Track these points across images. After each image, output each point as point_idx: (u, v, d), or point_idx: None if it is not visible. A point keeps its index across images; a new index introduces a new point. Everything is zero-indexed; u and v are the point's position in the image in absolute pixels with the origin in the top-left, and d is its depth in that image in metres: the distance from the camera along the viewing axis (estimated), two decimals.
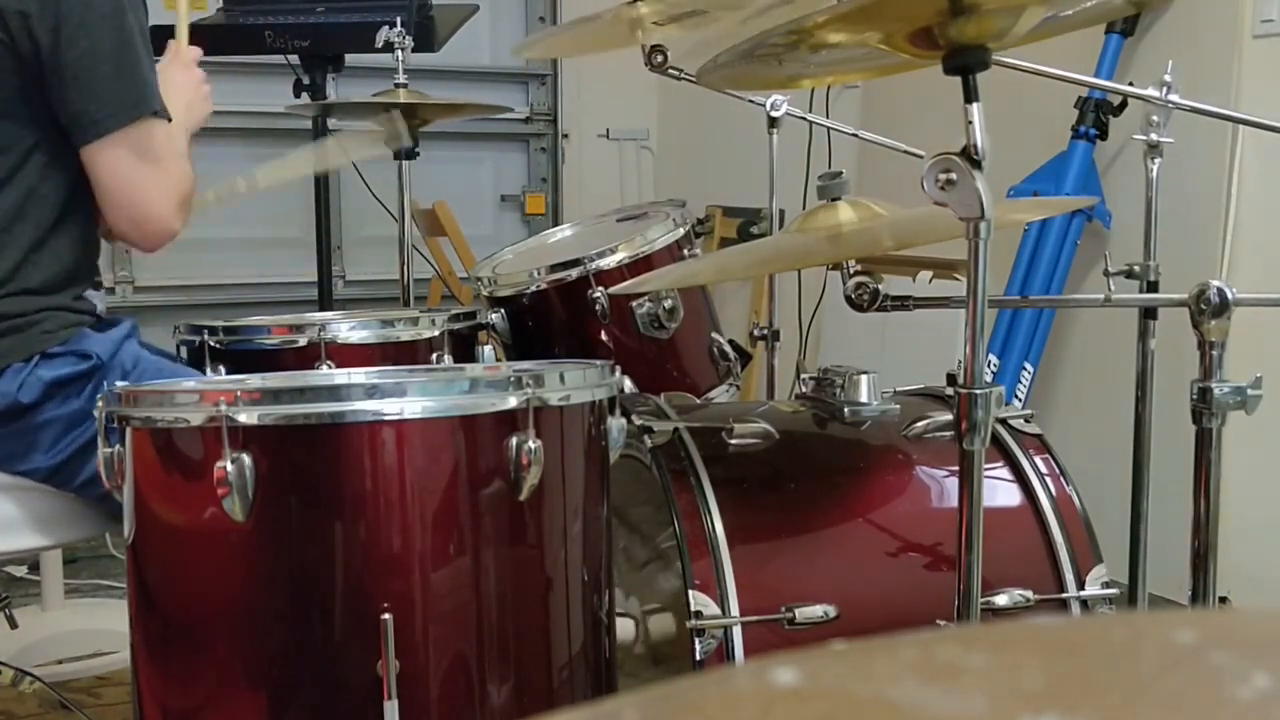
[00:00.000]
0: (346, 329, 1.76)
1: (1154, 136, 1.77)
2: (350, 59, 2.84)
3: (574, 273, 1.87)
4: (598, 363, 1.22)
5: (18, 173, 1.48)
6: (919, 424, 1.52)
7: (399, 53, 2.28)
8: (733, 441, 1.49)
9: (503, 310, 1.93)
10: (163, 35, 2.81)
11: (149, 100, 1.50)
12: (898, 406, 1.51)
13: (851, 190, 1.37)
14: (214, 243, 3.81)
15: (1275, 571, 2.41)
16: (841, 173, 1.36)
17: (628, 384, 1.50)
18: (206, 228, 3.73)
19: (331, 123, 3.08)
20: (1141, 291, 1.83)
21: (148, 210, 1.52)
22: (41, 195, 1.50)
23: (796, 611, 1.33)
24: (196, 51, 1.77)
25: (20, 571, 2.84)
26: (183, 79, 1.72)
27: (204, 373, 1.69)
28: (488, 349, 1.89)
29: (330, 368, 1.67)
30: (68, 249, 1.53)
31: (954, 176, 1.02)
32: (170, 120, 1.55)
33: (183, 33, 1.79)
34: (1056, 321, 2.83)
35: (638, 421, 1.47)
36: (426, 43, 2.74)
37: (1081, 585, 1.41)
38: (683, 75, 1.99)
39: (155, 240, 1.55)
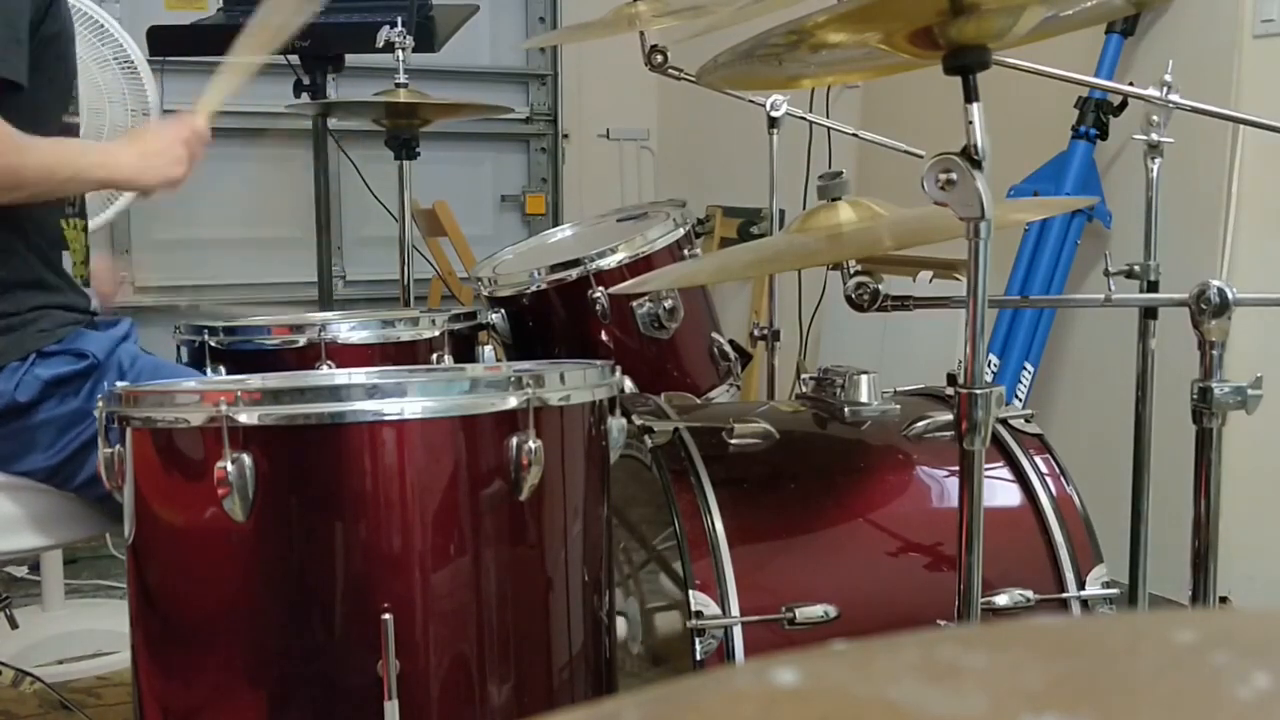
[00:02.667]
0: (347, 329, 1.76)
1: (1154, 136, 1.77)
2: (350, 59, 2.84)
3: (574, 273, 1.87)
4: (598, 363, 1.22)
5: None
6: (919, 424, 1.52)
7: (399, 53, 2.28)
8: (733, 441, 1.49)
9: (503, 310, 1.94)
10: (163, 35, 2.82)
11: None
12: (898, 406, 1.51)
13: (851, 190, 1.37)
14: (214, 243, 3.81)
15: (1275, 571, 2.41)
16: (841, 173, 1.37)
17: (628, 384, 1.50)
18: (206, 227, 3.75)
19: (332, 123, 3.08)
20: (1141, 291, 1.82)
21: None
22: None
23: (797, 611, 1.33)
24: (204, 131, 1.62)
25: (20, 571, 2.84)
26: (166, 134, 1.59)
27: (204, 373, 1.69)
28: (488, 349, 1.90)
29: (330, 368, 1.67)
30: (36, 241, 1.50)
31: (954, 176, 1.02)
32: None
33: (211, 104, 1.67)
34: (1056, 321, 2.83)
35: (638, 421, 1.47)
36: (427, 43, 2.74)
37: (1082, 585, 1.41)
38: (683, 75, 1.99)
39: None
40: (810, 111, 2.28)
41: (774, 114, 2.09)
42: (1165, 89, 1.73)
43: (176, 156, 1.57)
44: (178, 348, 1.79)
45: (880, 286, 1.42)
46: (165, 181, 1.57)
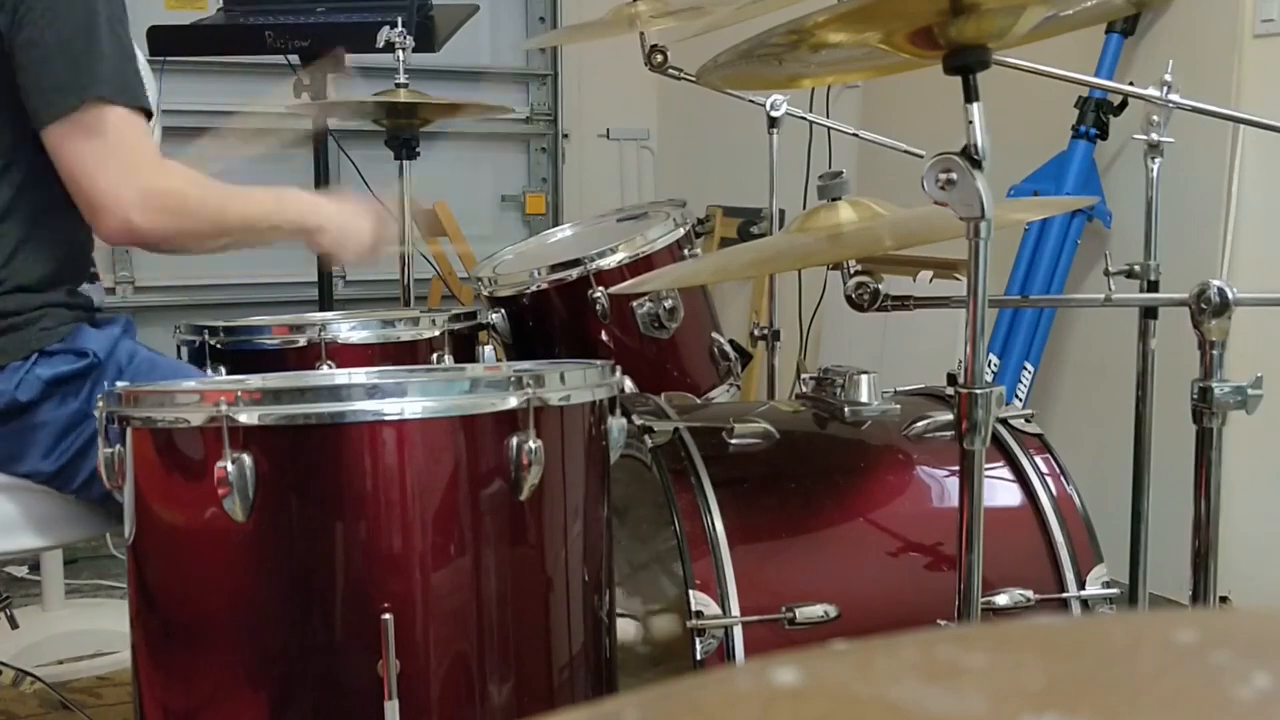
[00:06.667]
0: (347, 329, 1.76)
1: (1154, 136, 1.77)
2: (350, 58, 2.84)
3: (574, 273, 1.87)
4: (598, 363, 1.22)
5: (7, 168, 1.47)
6: (919, 424, 1.52)
7: (399, 53, 2.28)
8: (733, 441, 1.49)
9: (503, 310, 1.94)
10: (163, 35, 2.82)
11: (101, 83, 1.42)
12: (898, 406, 1.51)
13: (851, 190, 1.37)
14: None
15: (1275, 571, 2.41)
16: (841, 173, 1.36)
17: (628, 384, 1.50)
18: None
19: (332, 123, 3.08)
20: (1141, 291, 1.83)
21: (98, 198, 1.42)
22: (31, 189, 1.47)
23: (797, 611, 1.33)
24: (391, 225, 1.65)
25: (21, 571, 2.84)
26: (353, 205, 1.64)
27: (202, 370, 1.69)
28: (488, 349, 1.90)
29: (331, 368, 1.67)
30: (60, 243, 1.51)
31: (954, 176, 1.02)
32: (148, 114, 1.47)
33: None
34: (1056, 321, 2.83)
35: (638, 421, 1.47)
36: (427, 43, 2.74)
37: (1082, 585, 1.41)
38: (683, 75, 1.99)
39: (111, 232, 1.46)
40: (810, 111, 2.28)
41: (774, 114, 2.09)
42: (1165, 89, 1.73)
43: (370, 225, 1.61)
44: (178, 348, 1.79)
45: (880, 286, 1.42)
46: (360, 241, 1.60)
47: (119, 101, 1.44)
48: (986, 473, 1.11)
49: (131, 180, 1.43)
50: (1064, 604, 1.40)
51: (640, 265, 1.88)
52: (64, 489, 1.52)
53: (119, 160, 1.43)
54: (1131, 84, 2.06)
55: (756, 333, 2.19)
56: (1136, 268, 1.82)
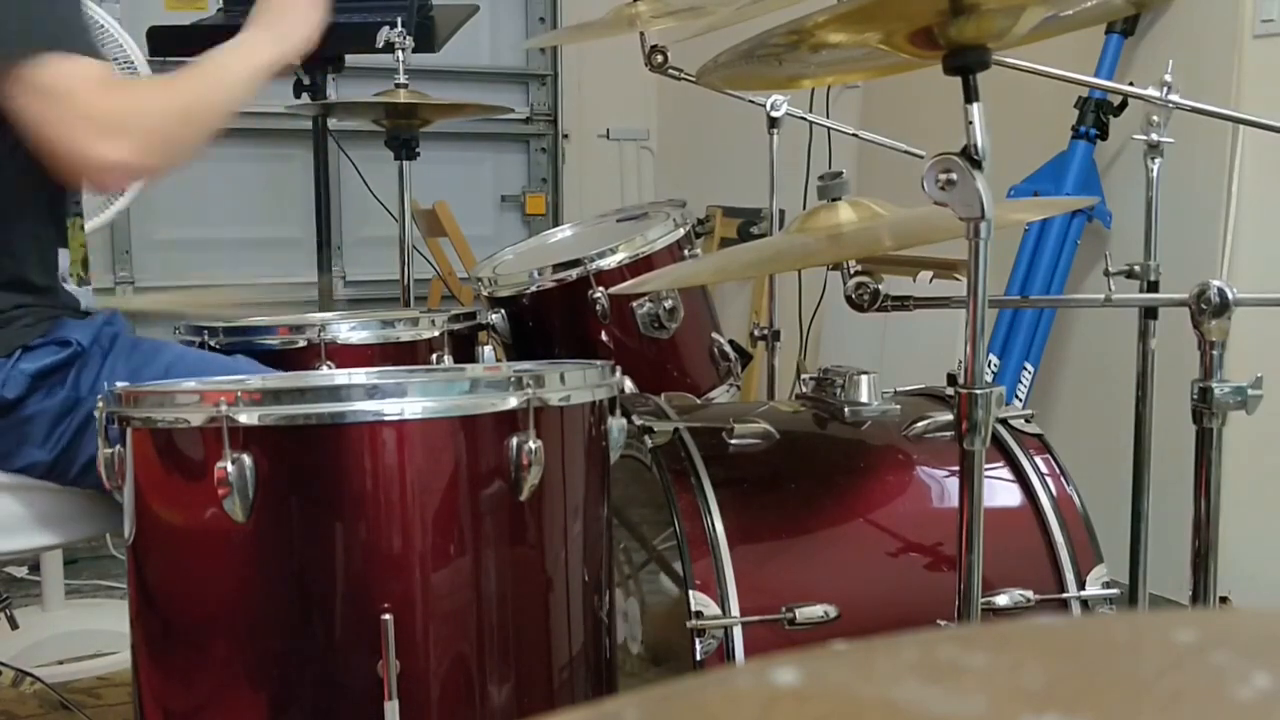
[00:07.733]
0: (347, 329, 1.76)
1: (1154, 136, 1.77)
2: (350, 59, 2.84)
3: (574, 273, 1.87)
4: (598, 363, 1.22)
5: None
6: (919, 424, 1.52)
7: (399, 53, 2.28)
8: (733, 442, 1.49)
9: (503, 310, 1.93)
10: (163, 35, 2.82)
11: (36, 34, 1.32)
12: (898, 406, 1.51)
13: (851, 190, 1.37)
14: (214, 243, 3.81)
15: (1275, 571, 2.41)
16: (841, 173, 1.36)
17: (628, 384, 1.50)
18: (206, 228, 3.75)
19: (332, 123, 3.08)
20: (1141, 291, 1.83)
21: (65, 151, 1.33)
22: None
23: (797, 611, 1.33)
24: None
25: (20, 572, 2.84)
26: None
27: (186, 346, 1.67)
28: (488, 349, 1.90)
29: (330, 368, 1.67)
30: (18, 242, 1.48)
31: (954, 176, 1.02)
32: (98, 57, 1.37)
33: None
34: (1056, 321, 2.83)
35: (638, 421, 1.47)
36: (427, 43, 2.74)
37: (1082, 585, 1.41)
38: (683, 75, 1.99)
39: (100, 179, 1.37)
40: (810, 111, 2.28)
41: (774, 114, 2.09)
42: (1165, 89, 1.73)
43: (305, 18, 1.55)
44: None
45: (880, 286, 1.42)
46: (309, 37, 1.53)
47: (63, 48, 1.34)
48: (986, 473, 1.11)
49: (75, 121, 1.33)
50: (1064, 604, 1.40)
51: (640, 265, 1.88)
52: (62, 479, 1.51)
53: (78, 111, 1.33)
54: (1131, 84, 2.06)
55: (756, 333, 2.19)
56: (1136, 268, 1.82)
